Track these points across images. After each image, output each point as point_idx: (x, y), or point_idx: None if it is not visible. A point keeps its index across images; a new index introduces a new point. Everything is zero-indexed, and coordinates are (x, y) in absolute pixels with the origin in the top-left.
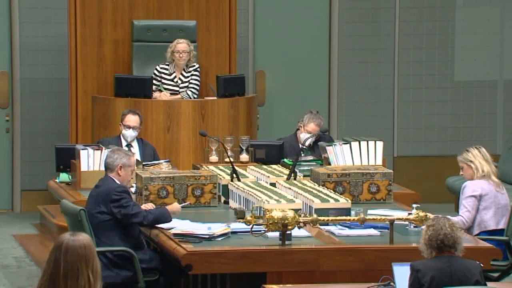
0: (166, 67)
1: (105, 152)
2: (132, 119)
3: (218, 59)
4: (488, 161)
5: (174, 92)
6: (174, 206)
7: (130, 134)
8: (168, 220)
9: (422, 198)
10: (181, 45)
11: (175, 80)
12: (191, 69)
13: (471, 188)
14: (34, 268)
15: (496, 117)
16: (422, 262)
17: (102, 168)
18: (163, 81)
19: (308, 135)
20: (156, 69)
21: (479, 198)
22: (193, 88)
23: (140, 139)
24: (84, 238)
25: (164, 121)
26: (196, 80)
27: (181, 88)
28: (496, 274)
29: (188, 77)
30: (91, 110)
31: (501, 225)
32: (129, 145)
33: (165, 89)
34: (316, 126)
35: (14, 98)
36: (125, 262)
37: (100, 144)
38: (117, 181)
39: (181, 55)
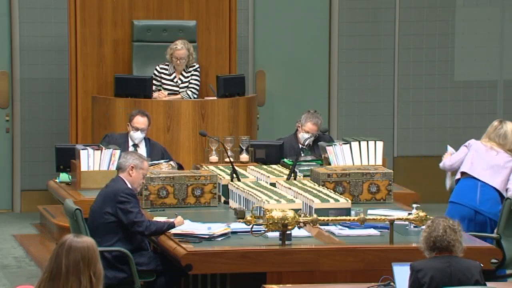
0: (166, 67)
1: (105, 152)
2: (140, 121)
3: (218, 59)
4: (490, 133)
5: (174, 92)
6: (181, 221)
7: (138, 136)
8: (168, 230)
9: (422, 198)
10: (180, 51)
11: (175, 80)
12: (191, 69)
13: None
14: (34, 268)
15: (496, 117)
16: (422, 262)
17: (102, 168)
18: (163, 81)
19: (307, 135)
20: (156, 69)
21: (468, 147)
22: (193, 88)
23: (147, 139)
24: (87, 240)
25: (164, 121)
26: (196, 80)
27: (181, 88)
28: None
29: (188, 77)
30: (91, 110)
31: (476, 174)
32: (135, 145)
33: (165, 89)
34: (314, 125)
35: (14, 98)
36: (122, 263)
37: (107, 137)
38: (127, 182)
39: (179, 61)
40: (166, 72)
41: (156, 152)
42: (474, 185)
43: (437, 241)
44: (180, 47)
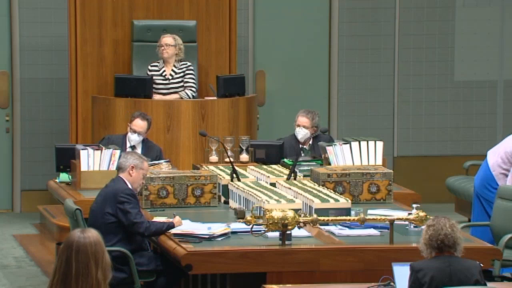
0: (157, 64)
1: (105, 152)
2: (139, 124)
3: (218, 59)
4: None
5: (166, 87)
6: (179, 222)
7: (134, 138)
8: (168, 230)
9: (422, 198)
10: (165, 38)
11: (164, 74)
12: (183, 67)
13: None
14: (34, 268)
15: (496, 117)
16: (422, 263)
17: (102, 168)
18: (154, 78)
19: (299, 129)
20: (148, 69)
21: None
22: (191, 87)
23: (144, 140)
24: (93, 234)
25: (164, 121)
26: (192, 78)
27: (172, 83)
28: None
29: (179, 73)
30: (91, 110)
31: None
32: (133, 147)
33: (157, 88)
34: (303, 117)
35: (14, 98)
36: (122, 264)
37: (106, 139)
38: (128, 182)
39: (164, 48)
40: (156, 68)
41: (151, 153)
42: (483, 164)
43: (446, 239)
44: (167, 35)
